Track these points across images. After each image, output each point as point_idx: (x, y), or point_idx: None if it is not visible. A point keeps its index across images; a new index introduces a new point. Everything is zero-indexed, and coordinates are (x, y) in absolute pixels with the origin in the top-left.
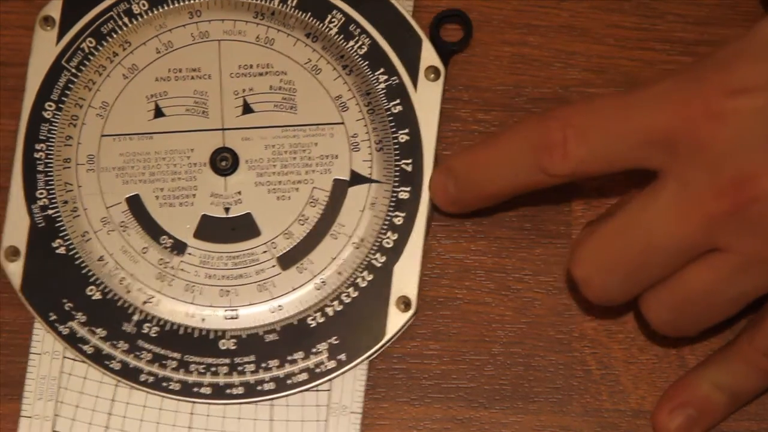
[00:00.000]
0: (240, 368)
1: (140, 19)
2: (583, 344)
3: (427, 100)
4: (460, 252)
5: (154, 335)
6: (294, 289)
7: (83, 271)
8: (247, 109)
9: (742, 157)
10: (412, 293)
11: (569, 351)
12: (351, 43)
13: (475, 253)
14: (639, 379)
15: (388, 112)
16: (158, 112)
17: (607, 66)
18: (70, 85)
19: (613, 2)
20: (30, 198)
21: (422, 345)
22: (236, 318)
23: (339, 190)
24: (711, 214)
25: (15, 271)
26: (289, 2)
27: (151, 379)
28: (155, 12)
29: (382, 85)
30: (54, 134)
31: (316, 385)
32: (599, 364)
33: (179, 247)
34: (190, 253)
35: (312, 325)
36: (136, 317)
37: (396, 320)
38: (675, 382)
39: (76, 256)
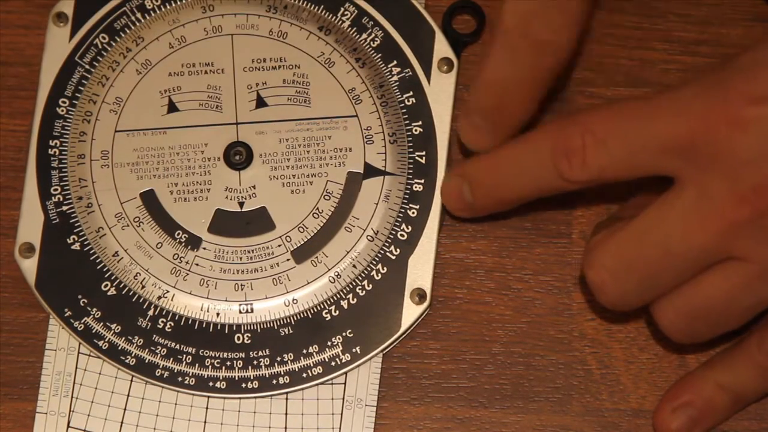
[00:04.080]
0: (255, 362)
1: (153, 14)
2: (583, 344)
3: (441, 91)
4: (460, 251)
5: (169, 330)
6: (308, 283)
7: (98, 267)
8: (260, 102)
9: (762, 165)
10: (427, 285)
11: (569, 351)
12: (364, 35)
13: (476, 252)
14: (639, 378)
15: (402, 105)
16: (172, 107)
17: (607, 66)
18: (83, 81)
19: (614, 2)
20: (44, 194)
21: (422, 344)
22: (251, 312)
23: (353, 183)
24: (730, 221)
25: (30, 267)
26: None
27: (166, 374)
28: (168, 7)
29: (395, 78)
30: (68, 130)
31: (331, 379)
32: (599, 363)
33: (194, 242)
34: (204, 248)
35: (327, 319)
36: (151, 312)
37: (411, 313)
38: (678, 381)
39: (91, 251)
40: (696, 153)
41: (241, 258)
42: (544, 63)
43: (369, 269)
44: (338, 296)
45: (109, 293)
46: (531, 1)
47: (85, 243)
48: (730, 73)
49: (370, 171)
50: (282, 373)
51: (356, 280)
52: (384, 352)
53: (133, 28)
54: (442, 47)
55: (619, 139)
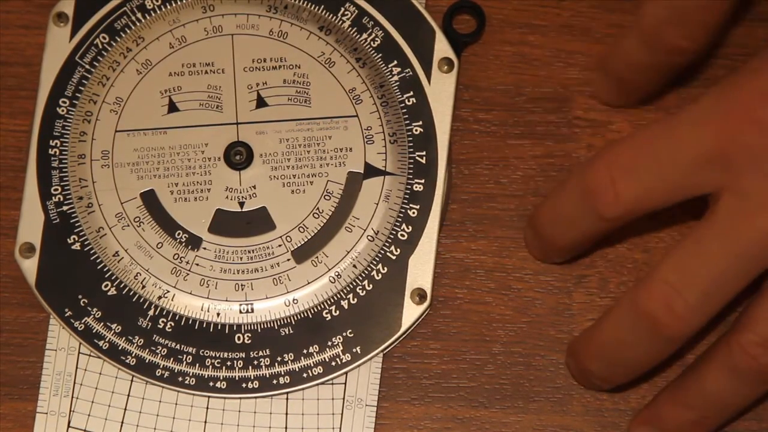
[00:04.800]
0: (255, 362)
1: (153, 14)
2: None
3: (441, 91)
4: (460, 251)
5: (169, 330)
6: (309, 283)
7: (98, 267)
8: (261, 102)
9: None
10: (427, 285)
11: None
12: (364, 35)
13: (476, 252)
14: (639, 378)
15: (402, 105)
16: (172, 107)
17: None
18: (83, 81)
19: (614, 2)
20: (45, 194)
21: (423, 344)
22: (251, 312)
23: (353, 183)
24: None
25: (30, 267)
26: None
27: (166, 374)
28: (168, 7)
29: (396, 78)
30: (68, 130)
31: (331, 379)
32: None
33: (194, 242)
34: (205, 248)
35: (327, 319)
36: (151, 312)
37: (411, 313)
38: (646, 404)
39: (91, 251)
40: (727, 159)
41: (241, 258)
42: (674, 61)
43: (369, 269)
44: (338, 296)
45: (109, 293)
46: (670, 8)
47: (86, 243)
48: (741, 76)
49: (371, 171)
50: (282, 373)
51: (356, 280)
52: (384, 352)
53: (133, 28)
54: (442, 47)
55: (646, 165)
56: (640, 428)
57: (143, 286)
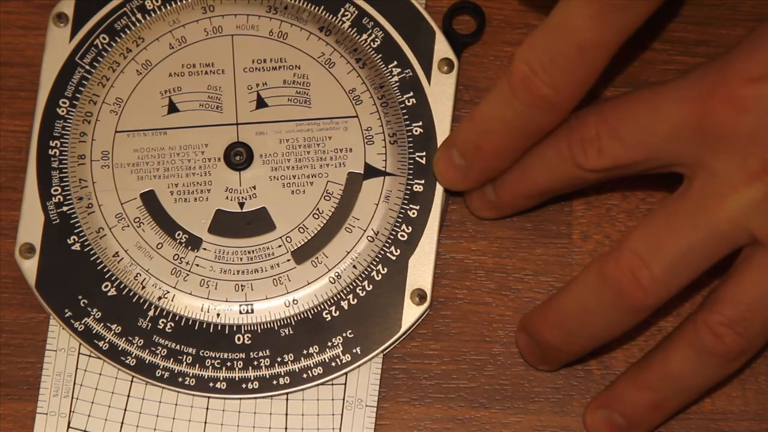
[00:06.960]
0: (255, 363)
1: (153, 14)
2: None
3: (441, 92)
4: (460, 252)
5: (169, 330)
6: (309, 283)
7: (98, 268)
8: (261, 103)
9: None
10: (427, 286)
11: None
12: (364, 36)
13: (476, 253)
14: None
15: (402, 105)
16: (172, 108)
17: (606, 66)
18: (83, 82)
19: None
20: (45, 195)
21: (423, 345)
22: (251, 312)
23: (353, 184)
24: (746, 198)
25: (30, 267)
26: None
27: (166, 374)
28: (168, 8)
29: (396, 78)
30: (68, 131)
31: (332, 379)
32: (600, 364)
33: (194, 242)
34: (205, 248)
35: (327, 319)
36: (151, 313)
37: (411, 313)
38: (607, 386)
39: (91, 252)
40: (703, 136)
41: (241, 258)
42: (537, 117)
43: (369, 270)
44: (338, 297)
45: (109, 294)
46: (544, 53)
47: (86, 243)
48: (732, 55)
49: (371, 171)
50: (282, 373)
51: (356, 280)
52: (384, 352)
53: (133, 28)
54: (442, 47)
55: (630, 126)
56: (596, 412)
57: (143, 287)
